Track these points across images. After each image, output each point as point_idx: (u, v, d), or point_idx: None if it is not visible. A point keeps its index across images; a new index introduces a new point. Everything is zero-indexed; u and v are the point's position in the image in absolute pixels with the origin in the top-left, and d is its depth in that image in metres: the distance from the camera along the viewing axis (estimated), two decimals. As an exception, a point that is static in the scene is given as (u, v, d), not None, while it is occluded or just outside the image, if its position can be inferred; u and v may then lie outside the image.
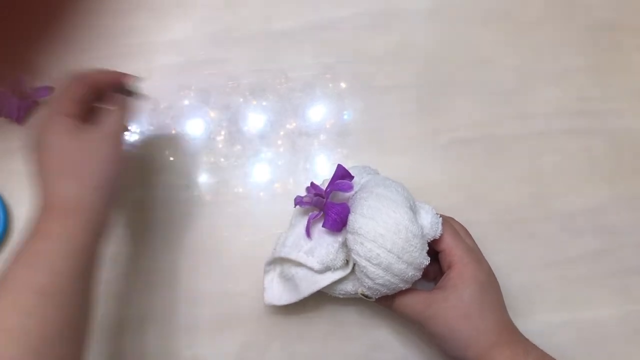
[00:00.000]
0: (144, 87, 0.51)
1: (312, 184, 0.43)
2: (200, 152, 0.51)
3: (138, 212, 0.49)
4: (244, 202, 0.49)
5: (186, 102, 0.51)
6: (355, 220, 0.39)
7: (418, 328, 0.43)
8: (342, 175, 0.42)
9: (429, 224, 0.40)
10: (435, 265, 0.43)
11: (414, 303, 0.41)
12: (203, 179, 0.50)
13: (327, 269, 0.41)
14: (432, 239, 0.41)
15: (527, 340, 0.40)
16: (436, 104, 0.52)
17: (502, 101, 0.53)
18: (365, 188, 0.41)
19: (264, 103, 0.51)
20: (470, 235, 0.44)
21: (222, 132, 0.50)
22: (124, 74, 0.42)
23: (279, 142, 0.51)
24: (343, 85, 0.53)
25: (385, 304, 0.42)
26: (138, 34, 0.54)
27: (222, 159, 0.50)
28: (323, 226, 0.41)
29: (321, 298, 0.44)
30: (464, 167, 0.51)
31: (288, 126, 0.51)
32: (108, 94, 0.42)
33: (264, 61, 0.53)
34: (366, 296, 0.41)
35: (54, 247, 0.35)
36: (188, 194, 0.50)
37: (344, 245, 0.41)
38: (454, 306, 0.39)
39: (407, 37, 0.54)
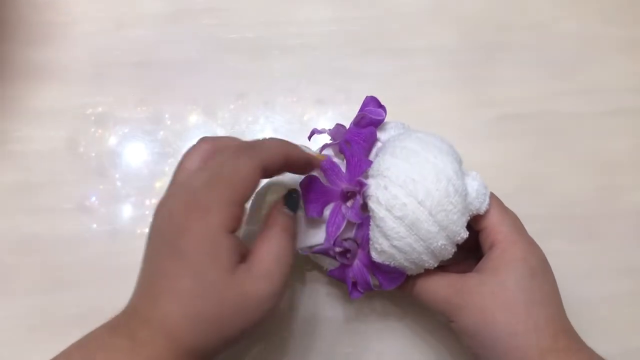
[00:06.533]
0: (131, 36, 0.43)
1: (337, 124, 0.34)
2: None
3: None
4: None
5: (194, 117, 0.42)
6: (383, 160, 0.30)
7: (445, 322, 0.32)
8: (372, 106, 0.33)
9: (475, 192, 0.31)
10: (464, 263, 0.34)
11: (438, 287, 0.31)
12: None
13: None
14: (475, 213, 0.31)
15: (591, 349, 0.30)
16: (480, 73, 0.44)
17: (560, 72, 0.44)
18: (401, 135, 0.32)
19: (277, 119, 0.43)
20: (519, 221, 0.34)
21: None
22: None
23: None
24: (366, 45, 0.44)
25: (404, 287, 0.32)
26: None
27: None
28: (340, 151, 0.32)
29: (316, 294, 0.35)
30: (513, 149, 0.43)
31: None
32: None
33: (274, 14, 0.45)
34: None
35: None
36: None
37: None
38: (493, 293, 0.30)
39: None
